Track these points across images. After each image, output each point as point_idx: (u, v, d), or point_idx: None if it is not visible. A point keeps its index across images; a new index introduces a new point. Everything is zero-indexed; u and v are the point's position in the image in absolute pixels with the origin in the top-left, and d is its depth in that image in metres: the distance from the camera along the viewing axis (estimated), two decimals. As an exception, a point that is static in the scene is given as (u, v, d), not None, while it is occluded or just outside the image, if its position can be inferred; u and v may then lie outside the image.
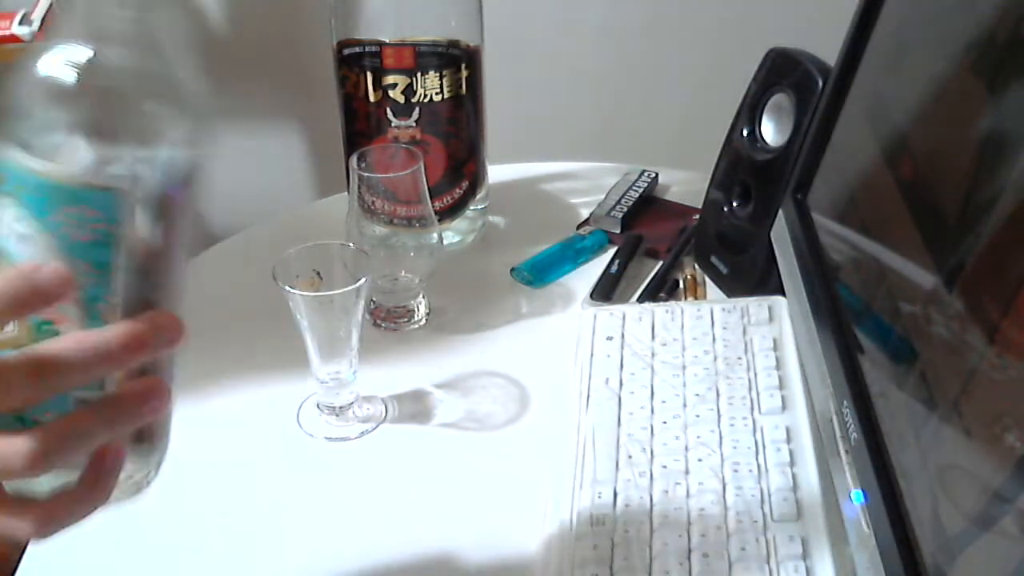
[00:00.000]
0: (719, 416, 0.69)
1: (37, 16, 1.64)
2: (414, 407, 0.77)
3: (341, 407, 0.75)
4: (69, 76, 0.40)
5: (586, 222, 0.99)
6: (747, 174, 0.85)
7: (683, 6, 1.73)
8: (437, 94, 0.87)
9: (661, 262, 0.92)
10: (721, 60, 1.62)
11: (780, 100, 0.83)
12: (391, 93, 0.87)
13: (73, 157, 0.40)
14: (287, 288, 0.70)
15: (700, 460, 0.66)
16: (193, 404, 0.76)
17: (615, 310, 0.81)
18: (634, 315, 0.80)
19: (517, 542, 0.66)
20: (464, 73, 0.88)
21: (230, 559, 0.66)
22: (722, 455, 0.67)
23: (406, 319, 0.86)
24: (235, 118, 1.88)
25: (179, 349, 0.43)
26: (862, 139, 0.69)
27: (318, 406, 0.76)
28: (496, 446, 0.74)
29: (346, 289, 0.69)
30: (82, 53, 0.41)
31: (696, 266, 0.91)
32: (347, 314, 0.70)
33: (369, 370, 0.76)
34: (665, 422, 0.70)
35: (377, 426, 0.76)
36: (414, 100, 0.87)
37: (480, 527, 0.67)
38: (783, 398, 0.70)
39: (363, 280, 0.69)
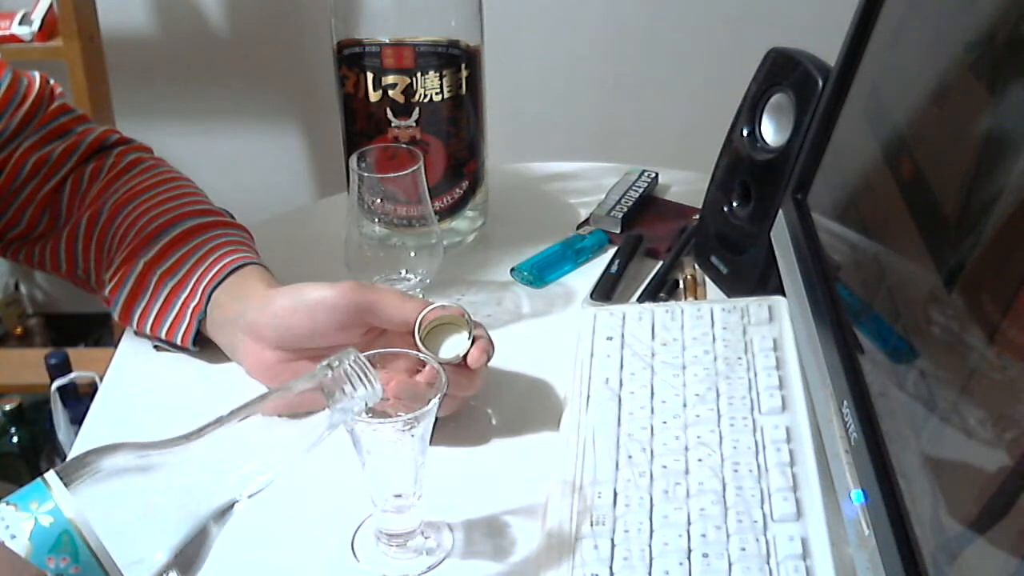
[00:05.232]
0: (719, 416, 0.69)
1: (37, 16, 1.64)
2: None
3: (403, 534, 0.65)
4: None
5: (586, 222, 0.99)
6: (747, 174, 0.85)
7: (683, 6, 1.73)
8: (437, 94, 0.87)
9: (661, 262, 0.92)
10: (721, 60, 1.62)
11: (780, 100, 0.83)
12: (391, 93, 0.87)
13: None
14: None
15: (700, 460, 0.66)
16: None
17: (615, 310, 0.81)
18: (634, 315, 0.80)
19: (517, 542, 0.66)
20: (464, 73, 0.88)
21: None
22: (722, 455, 0.67)
23: (406, 319, 0.86)
24: (236, 118, 1.89)
25: None
26: (862, 139, 0.69)
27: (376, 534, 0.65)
28: (496, 446, 0.74)
29: (426, 409, 0.59)
30: None
31: (696, 266, 0.91)
32: (422, 440, 0.61)
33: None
34: (665, 422, 0.70)
35: (444, 559, 0.65)
36: (414, 100, 0.87)
37: (480, 527, 0.67)
38: (783, 398, 0.70)
39: (440, 395, 0.60)
